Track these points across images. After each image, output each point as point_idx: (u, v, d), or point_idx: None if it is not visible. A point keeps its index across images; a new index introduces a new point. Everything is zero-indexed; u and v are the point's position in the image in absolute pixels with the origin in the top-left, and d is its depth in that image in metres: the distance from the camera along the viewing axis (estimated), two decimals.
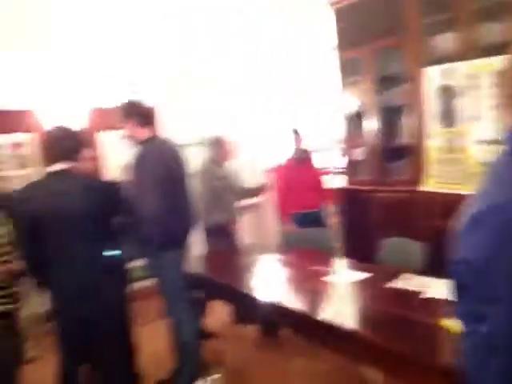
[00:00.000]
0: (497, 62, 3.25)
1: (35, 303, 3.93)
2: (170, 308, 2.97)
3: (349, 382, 3.03)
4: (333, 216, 4.74)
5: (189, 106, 5.54)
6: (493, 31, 3.33)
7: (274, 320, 2.94)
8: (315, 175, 4.59)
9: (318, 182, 4.58)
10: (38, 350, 3.56)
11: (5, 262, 2.47)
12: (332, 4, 4.31)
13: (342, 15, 4.28)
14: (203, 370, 2.83)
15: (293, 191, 4.42)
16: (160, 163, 2.77)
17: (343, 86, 4.42)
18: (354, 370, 2.95)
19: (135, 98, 2.93)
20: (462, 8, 3.36)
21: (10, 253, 2.50)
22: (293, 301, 2.68)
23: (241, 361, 3.36)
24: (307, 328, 2.45)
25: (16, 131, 4.47)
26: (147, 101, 2.95)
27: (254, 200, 5.12)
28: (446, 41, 3.58)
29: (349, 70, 4.35)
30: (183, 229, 3.01)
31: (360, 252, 3.84)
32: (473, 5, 3.32)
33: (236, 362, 3.39)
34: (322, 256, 3.46)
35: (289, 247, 3.77)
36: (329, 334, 2.26)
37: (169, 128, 4.44)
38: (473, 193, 0.96)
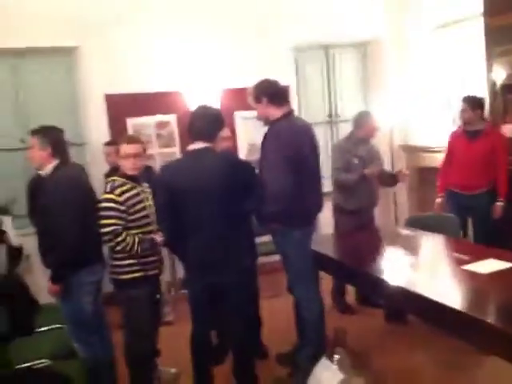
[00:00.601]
0: None
1: (173, 271, 4.29)
2: (295, 285, 2.99)
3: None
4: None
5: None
6: None
7: (401, 305, 2.80)
8: (488, 152, 3.82)
9: (489, 161, 3.82)
10: (174, 314, 3.87)
11: (151, 231, 2.72)
12: None
13: None
14: (326, 348, 2.83)
15: (454, 166, 4.01)
16: (291, 142, 2.77)
17: (488, 56, 3.99)
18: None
19: (268, 77, 2.95)
20: None
21: (155, 223, 2.75)
22: (424, 287, 2.52)
23: (364, 344, 3.29)
24: (437, 316, 2.30)
25: (161, 112, 4.81)
26: (280, 80, 2.95)
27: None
28: None
29: (496, 38, 3.91)
30: (311, 207, 2.98)
31: (504, 238, 3.49)
32: None
33: (359, 345, 3.33)
34: (461, 242, 3.20)
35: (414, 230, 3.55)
36: (461, 324, 2.11)
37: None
38: None
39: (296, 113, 3.40)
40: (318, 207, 3.02)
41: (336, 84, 5.56)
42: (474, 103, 3.86)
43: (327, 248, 3.36)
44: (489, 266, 2.61)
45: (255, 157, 2.95)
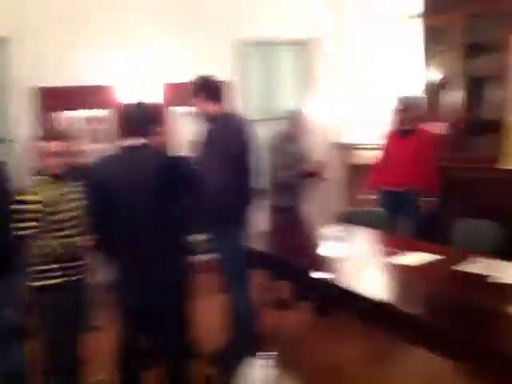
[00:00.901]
0: None
1: (100, 275, 4.09)
2: (230, 282, 2.96)
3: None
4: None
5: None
6: None
7: (331, 299, 2.83)
8: (419, 150, 3.85)
9: (420, 159, 3.83)
10: (100, 320, 3.69)
11: (76, 234, 2.54)
12: None
13: None
14: (258, 345, 2.81)
15: (387, 164, 4.03)
16: (226, 139, 2.75)
17: (426, 55, 4.13)
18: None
19: (205, 73, 2.90)
20: None
21: (82, 226, 2.57)
22: (353, 280, 2.55)
23: (296, 340, 3.31)
24: (364, 309, 2.33)
25: (93, 107, 4.60)
26: (223, 76, 2.91)
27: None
28: None
29: (434, 38, 4.06)
30: (244, 205, 2.97)
31: (432, 232, 3.62)
32: None
33: (291, 341, 3.35)
34: (390, 236, 3.28)
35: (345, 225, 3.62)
36: (387, 316, 2.16)
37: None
38: None
39: (239, 109, 3.38)
40: (249, 205, 3.00)
41: (277, 81, 5.55)
42: (408, 103, 3.92)
43: (261, 245, 3.35)
44: (417, 258, 2.69)
45: (194, 153, 2.88)
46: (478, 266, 2.44)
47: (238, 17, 4.93)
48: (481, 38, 3.75)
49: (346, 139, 5.43)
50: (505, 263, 2.42)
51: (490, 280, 2.24)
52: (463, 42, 3.78)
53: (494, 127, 3.56)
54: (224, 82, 3.06)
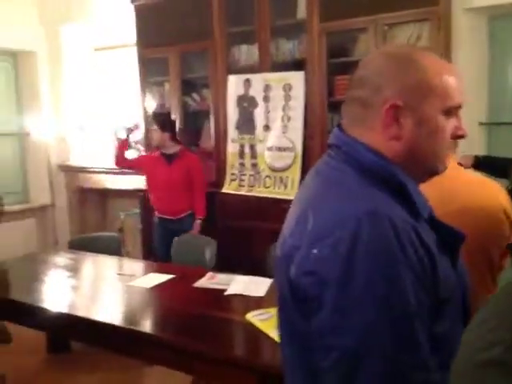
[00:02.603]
0: (287, 76, 3.61)
1: None
2: None
3: None
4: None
5: None
6: (285, 48, 3.69)
7: (66, 332, 2.68)
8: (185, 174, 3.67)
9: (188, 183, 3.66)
10: None
11: None
12: (133, 1, 4.17)
13: (143, 13, 4.17)
14: None
15: (155, 191, 3.73)
16: None
17: (143, 85, 4.32)
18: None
19: None
20: (262, 23, 3.63)
21: None
22: (86, 309, 2.49)
23: (25, 378, 2.98)
24: (101, 337, 2.30)
25: None
26: None
27: None
28: (246, 52, 3.82)
29: (151, 69, 4.28)
30: None
31: (155, 253, 3.81)
32: (270, 22, 3.61)
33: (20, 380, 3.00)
34: (127, 261, 3.31)
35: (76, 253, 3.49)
36: (125, 339, 2.19)
37: None
38: (298, 197, 0.95)
39: None
40: None
41: None
42: (163, 124, 3.65)
43: None
44: (150, 280, 2.79)
45: None
46: (215, 281, 2.67)
47: None
48: (196, 74, 4.17)
49: (73, 161, 5.21)
50: (235, 276, 2.70)
51: (226, 293, 2.47)
52: (177, 76, 4.11)
53: (215, 155, 4.00)
54: None
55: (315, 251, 0.81)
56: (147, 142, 4.28)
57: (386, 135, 0.88)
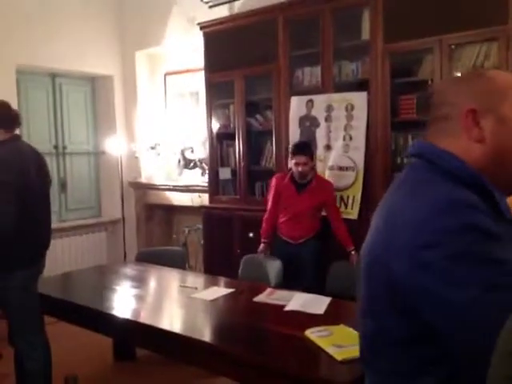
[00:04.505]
0: (350, 96, 3.64)
1: None
2: (19, 334, 2.66)
3: None
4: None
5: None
6: (348, 69, 3.74)
7: (131, 339, 2.82)
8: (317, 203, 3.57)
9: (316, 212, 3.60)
10: None
11: None
12: (202, 27, 4.39)
13: (211, 39, 4.38)
14: None
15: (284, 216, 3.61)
16: (13, 166, 2.51)
17: (209, 107, 4.51)
18: None
19: None
20: (326, 45, 3.71)
21: None
22: (150, 317, 2.61)
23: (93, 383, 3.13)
24: (166, 345, 2.40)
25: None
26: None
27: None
28: (309, 74, 3.91)
29: (217, 92, 4.47)
30: (38, 244, 2.73)
31: (221, 269, 3.91)
32: (334, 44, 3.69)
33: None
34: (186, 274, 3.44)
35: (143, 265, 3.66)
36: (188, 349, 2.25)
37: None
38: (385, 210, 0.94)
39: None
40: (46, 244, 2.78)
41: (63, 115, 5.31)
42: (311, 153, 3.48)
43: (56, 290, 3.15)
44: (212, 293, 2.88)
45: None
46: (275, 296, 2.71)
47: (22, 41, 4.61)
48: (257, 96, 4.31)
49: (143, 179, 5.49)
50: (295, 293, 2.73)
51: (286, 308, 2.50)
52: (242, 99, 4.27)
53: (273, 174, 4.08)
54: (18, 110, 2.85)
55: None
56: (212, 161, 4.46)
57: (469, 139, 0.90)
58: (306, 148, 3.50)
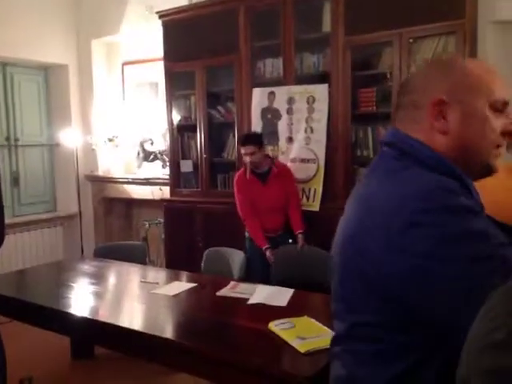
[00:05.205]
0: (311, 89, 3.64)
1: None
2: None
3: None
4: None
5: None
6: (309, 61, 3.73)
7: (90, 337, 2.73)
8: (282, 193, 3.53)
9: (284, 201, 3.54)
10: None
11: None
12: (161, 16, 4.28)
13: (170, 28, 4.28)
14: None
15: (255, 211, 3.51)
16: None
17: (169, 98, 4.41)
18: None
19: None
20: (287, 37, 3.69)
21: None
22: (109, 315, 2.54)
23: (50, 382, 3.04)
24: (125, 342, 2.33)
25: None
26: None
27: None
28: (271, 65, 3.88)
29: (177, 83, 4.38)
30: None
31: (184, 263, 3.86)
32: (295, 36, 3.67)
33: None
34: (147, 269, 3.36)
35: (101, 261, 3.56)
36: (148, 346, 2.21)
37: None
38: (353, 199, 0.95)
39: None
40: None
41: (15, 105, 5.08)
42: (259, 142, 3.44)
43: (9, 288, 3.02)
44: (173, 288, 2.83)
45: None
46: (238, 289, 2.69)
47: None
48: (221, 88, 4.25)
49: (100, 172, 5.33)
50: (258, 286, 2.72)
51: (249, 302, 2.48)
52: (203, 90, 4.19)
53: (236, 166, 4.04)
54: None
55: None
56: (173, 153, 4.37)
57: (433, 130, 0.90)
58: (252, 138, 3.47)
